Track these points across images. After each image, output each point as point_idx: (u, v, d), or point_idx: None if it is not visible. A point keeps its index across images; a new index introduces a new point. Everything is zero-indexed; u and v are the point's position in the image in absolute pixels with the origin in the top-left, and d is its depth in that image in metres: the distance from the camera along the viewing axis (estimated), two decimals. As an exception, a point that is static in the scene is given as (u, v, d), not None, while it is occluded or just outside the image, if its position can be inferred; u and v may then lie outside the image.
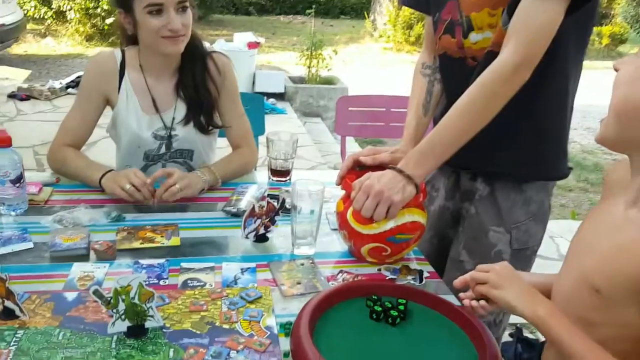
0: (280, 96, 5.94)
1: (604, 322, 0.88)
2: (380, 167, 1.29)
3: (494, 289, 0.98)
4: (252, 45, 6.10)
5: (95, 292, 0.94)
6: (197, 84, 1.63)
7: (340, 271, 1.24)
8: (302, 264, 1.25)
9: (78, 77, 5.57)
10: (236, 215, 1.44)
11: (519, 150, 1.33)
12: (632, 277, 0.82)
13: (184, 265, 1.22)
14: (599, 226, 0.95)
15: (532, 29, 1.14)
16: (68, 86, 5.50)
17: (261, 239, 1.33)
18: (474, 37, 1.29)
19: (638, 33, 13.60)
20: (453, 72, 1.38)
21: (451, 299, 1.13)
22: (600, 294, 0.87)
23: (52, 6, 8.28)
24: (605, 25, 12.30)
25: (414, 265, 1.28)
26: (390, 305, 1.04)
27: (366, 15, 11.50)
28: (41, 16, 8.40)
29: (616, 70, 0.88)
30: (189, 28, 1.55)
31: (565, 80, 1.29)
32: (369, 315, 1.04)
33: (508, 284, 0.97)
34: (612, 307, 0.86)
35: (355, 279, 1.21)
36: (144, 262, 1.22)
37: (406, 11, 9.77)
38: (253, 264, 1.24)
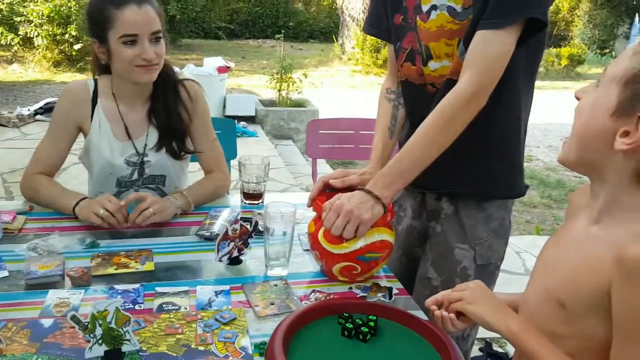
0: (251, 119, 5.99)
1: (570, 335, 0.92)
2: (349, 189, 1.34)
3: (469, 305, 1.03)
4: (222, 69, 6.16)
5: (73, 318, 0.95)
6: (169, 110, 1.66)
7: (313, 291, 1.27)
8: (276, 285, 1.29)
9: (47, 103, 5.51)
10: (209, 239, 1.47)
11: (478, 171, 1.41)
12: (595, 290, 0.87)
13: (159, 289, 1.24)
14: (563, 243, 1.00)
15: (486, 59, 1.23)
16: (36, 113, 5.43)
17: (235, 261, 1.36)
18: (433, 65, 1.36)
19: (595, 54, 14.13)
20: (414, 98, 1.45)
21: (419, 314, 1.18)
22: (565, 309, 0.91)
23: (19, 33, 8.21)
24: (564, 47, 12.78)
25: (383, 282, 1.33)
26: (361, 322, 1.08)
27: (334, 39, 11.70)
28: (7, 42, 8.31)
29: (578, 99, 0.96)
30: (162, 57, 1.59)
31: (518, 105, 1.37)
32: (340, 332, 1.08)
33: (483, 300, 1.03)
34: (578, 320, 0.90)
35: (328, 298, 1.25)
36: (119, 287, 1.24)
37: (373, 34, 9.98)
38: (227, 287, 1.27)
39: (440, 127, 1.26)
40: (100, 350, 0.97)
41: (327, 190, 1.38)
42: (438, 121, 1.26)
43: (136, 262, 1.34)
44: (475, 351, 1.62)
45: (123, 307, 1.14)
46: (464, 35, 1.27)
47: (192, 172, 1.86)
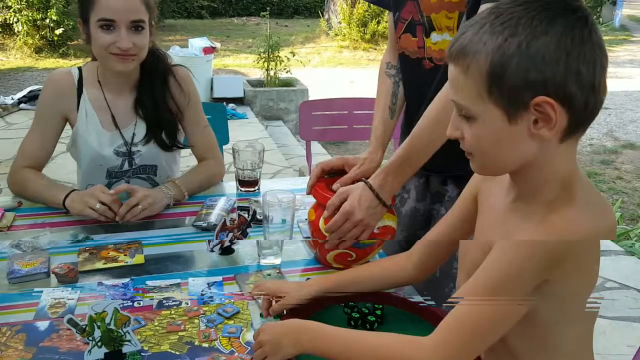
0: (239, 100, 5.90)
1: None
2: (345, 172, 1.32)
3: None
4: (208, 50, 6.04)
5: (70, 321, 0.92)
6: (156, 101, 1.59)
7: (308, 279, 1.23)
8: (269, 274, 1.26)
9: (30, 91, 5.37)
10: (207, 229, 1.43)
11: None
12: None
13: (149, 283, 1.20)
14: (484, 223, 0.96)
15: None
16: (20, 101, 5.30)
17: (227, 251, 1.32)
18: (435, 37, 1.31)
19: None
20: (410, 73, 1.41)
21: (418, 299, 1.15)
22: None
23: (-3, 19, 8.01)
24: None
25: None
26: (367, 311, 1.06)
27: (320, 14, 11.52)
28: (-14, 30, 8.12)
29: (455, 137, 0.92)
30: (143, 49, 1.51)
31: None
32: (347, 322, 1.05)
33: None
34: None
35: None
36: (108, 282, 1.20)
37: (360, 9, 9.83)
38: (219, 278, 1.23)
39: (448, 110, 1.20)
40: (100, 352, 0.94)
41: (326, 176, 1.35)
42: (445, 104, 1.20)
43: (125, 255, 1.30)
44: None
45: (121, 306, 1.11)
46: (465, 10, 1.22)
47: (185, 157, 1.80)
